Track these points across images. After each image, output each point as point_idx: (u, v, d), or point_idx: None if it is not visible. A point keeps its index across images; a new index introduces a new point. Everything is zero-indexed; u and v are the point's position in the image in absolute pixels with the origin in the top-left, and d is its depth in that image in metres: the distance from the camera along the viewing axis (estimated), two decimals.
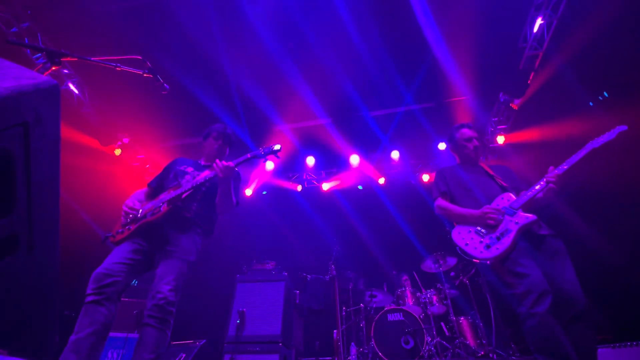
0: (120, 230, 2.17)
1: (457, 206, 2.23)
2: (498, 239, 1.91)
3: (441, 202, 2.31)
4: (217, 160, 2.19)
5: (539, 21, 4.22)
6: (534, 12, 4.25)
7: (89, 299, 1.83)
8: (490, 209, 2.01)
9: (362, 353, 3.83)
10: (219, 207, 2.36)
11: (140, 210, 2.22)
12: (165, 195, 2.23)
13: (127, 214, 2.21)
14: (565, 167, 1.97)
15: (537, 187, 2.00)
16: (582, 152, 1.96)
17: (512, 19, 4.42)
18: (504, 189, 2.17)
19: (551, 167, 2.01)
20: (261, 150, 2.38)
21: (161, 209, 2.14)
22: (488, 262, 1.91)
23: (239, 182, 2.59)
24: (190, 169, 2.45)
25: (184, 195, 2.20)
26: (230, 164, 2.20)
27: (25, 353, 0.82)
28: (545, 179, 1.98)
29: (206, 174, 2.27)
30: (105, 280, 1.87)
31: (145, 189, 2.50)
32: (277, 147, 2.38)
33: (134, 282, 4.02)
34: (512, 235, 1.88)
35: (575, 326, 1.67)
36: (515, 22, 4.46)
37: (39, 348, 0.91)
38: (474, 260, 1.96)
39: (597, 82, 4.59)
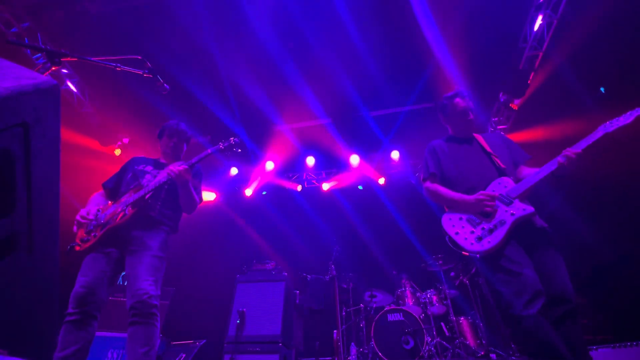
0: (85, 238, 2.09)
1: (449, 190, 2.02)
2: (491, 231, 1.77)
3: (430, 185, 2.11)
4: (171, 167, 2.17)
5: (539, 21, 4.22)
6: (534, 12, 4.26)
7: (71, 318, 1.83)
8: (485, 196, 1.84)
9: (362, 353, 3.83)
10: (183, 207, 2.36)
11: (102, 216, 2.16)
12: (127, 198, 2.19)
13: (79, 223, 2.15)
14: (583, 145, 1.79)
15: (541, 174, 1.83)
16: (594, 136, 1.76)
17: (512, 19, 4.43)
18: (502, 172, 1.98)
19: (568, 149, 1.81)
20: (221, 145, 2.38)
21: (126, 212, 2.10)
22: (477, 255, 1.78)
23: (199, 178, 2.54)
24: (149, 168, 2.41)
25: (147, 197, 2.18)
26: (182, 167, 2.17)
27: (25, 353, 0.82)
28: (559, 158, 1.78)
29: (165, 174, 2.23)
30: (87, 299, 1.87)
31: (100, 191, 2.43)
32: (236, 139, 2.39)
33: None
34: (505, 228, 1.74)
35: (566, 324, 1.61)
36: (515, 22, 4.47)
37: (39, 348, 0.91)
38: (463, 252, 1.81)
39: (597, 81, 4.59)
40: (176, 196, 2.33)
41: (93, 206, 2.26)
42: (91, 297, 1.89)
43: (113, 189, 2.39)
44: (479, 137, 2.22)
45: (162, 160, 2.55)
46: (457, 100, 2.28)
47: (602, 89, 4.23)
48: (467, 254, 1.82)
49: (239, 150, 2.47)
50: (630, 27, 3.98)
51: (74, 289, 1.90)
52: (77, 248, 2.08)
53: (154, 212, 2.21)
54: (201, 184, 2.55)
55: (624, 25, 4.01)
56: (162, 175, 2.23)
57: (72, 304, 1.86)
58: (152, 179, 2.28)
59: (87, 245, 2.06)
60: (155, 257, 2.06)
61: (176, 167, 2.16)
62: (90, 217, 2.16)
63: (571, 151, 1.76)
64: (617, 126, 1.73)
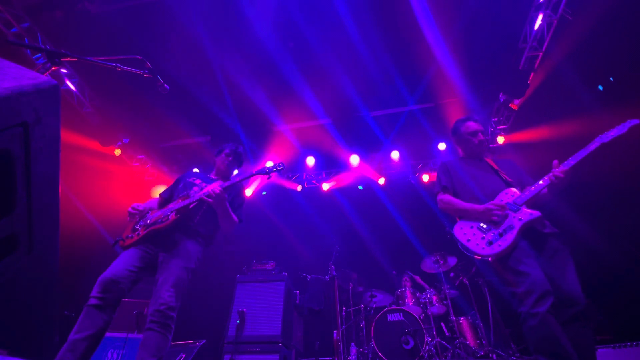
0: (130, 235, 2.27)
1: (460, 200, 2.17)
2: (500, 235, 1.87)
3: (443, 196, 2.26)
4: (210, 190, 2.28)
5: (538, 21, 4.22)
6: (534, 12, 4.26)
7: (93, 302, 1.90)
8: (494, 205, 1.96)
9: (362, 353, 3.83)
10: (221, 225, 2.49)
11: (150, 217, 2.34)
12: (173, 205, 2.35)
13: (130, 214, 2.39)
14: (572, 162, 1.88)
15: (542, 182, 1.95)
16: (590, 147, 1.86)
17: (512, 19, 4.43)
18: (508, 184, 2.12)
19: (555, 162, 1.94)
20: (266, 169, 2.56)
21: (169, 217, 2.24)
22: (489, 259, 1.88)
23: (239, 197, 2.65)
24: (198, 181, 2.58)
25: (191, 206, 2.30)
26: (217, 188, 2.28)
27: (25, 353, 0.82)
28: (550, 175, 1.91)
29: (213, 186, 2.36)
30: (111, 287, 1.95)
31: (157, 198, 2.63)
32: (282, 164, 2.63)
33: None
34: (514, 232, 1.84)
35: (574, 326, 1.64)
36: (515, 22, 4.47)
37: (39, 348, 0.91)
38: (476, 257, 1.92)
39: (597, 81, 4.60)
40: (215, 212, 2.44)
41: (147, 205, 2.49)
42: (114, 285, 1.96)
43: (167, 199, 2.55)
44: (489, 160, 2.38)
45: (213, 177, 2.74)
46: (470, 123, 2.45)
47: (600, 87, 4.23)
48: (480, 257, 1.93)
49: (282, 173, 2.66)
50: (631, 26, 3.98)
51: (102, 274, 2.00)
52: (121, 243, 2.26)
53: (192, 222, 2.35)
54: (242, 203, 2.68)
55: (624, 25, 4.02)
56: (207, 190, 2.37)
57: (97, 288, 1.94)
58: (199, 191, 2.43)
59: (131, 241, 2.23)
60: (185, 269, 2.15)
61: (214, 191, 2.28)
62: (140, 208, 2.40)
63: (558, 171, 1.89)
64: (613, 136, 1.85)
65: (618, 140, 1.83)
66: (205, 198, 2.27)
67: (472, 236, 1.98)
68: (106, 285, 1.94)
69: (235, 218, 2.49)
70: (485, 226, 1.97)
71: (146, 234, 2.21)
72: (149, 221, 2.31)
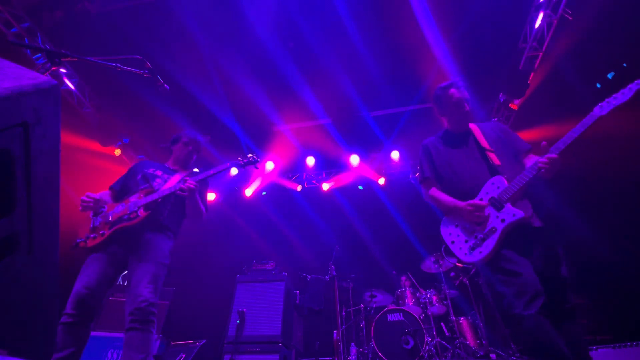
0: (92, 235, 2.08)
1: (443, 194, 1.99)
2: (482, 240, 1.75)
3: (428, 190, 2.08)
4: (188, 183, 2.21)
5: (538, 21, 4.22)
6: (534, 12, 4.26)
7: (70, 320, 1.81)
8: (474, 207, 1.79)
9: (362, 353, 3.83)
10: (189, 217, 2.42)
11: (110, 214, 2.15)
12: (137, 199, 2.18)
13: (86, 203, 2.15)
14: (561, 146, 1.69)
15: (524, 178, 1.76)
16: (584, 124, 1.63)
17: (512, 19, 4.43)
18: (494, 171, 1.89)
19: (544, 144, 1.73)
20: (240, 160, 2.49)
21: (139, 213, 2.10)
22: (471, 266, 1.83)
23: (205, 189, 2.61)
24: (159, 172, 2.44)
25: (159, 200, 2.19)
26: (192, 183, 2.21)
27: (25, 353, 0.82)
28: (536, 163, 1.72)
29: (177, 179, 2.29)
30: (88, 302, 1.87)
31: (107, 191, 2.43)
32: (254, 156, 2.57)
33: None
34: (496, 237, 1.71)
35: (565, 323, 1.61)
36: (515, 22, 4.47)
37: (39, 348, 0.91)
38: (457, 264, 1.86)
39: (597, 81, 4.59)
40: (183, 204, 2.37)
41: (100, 195, 2.27)
42: (92, 300, 1.88)
43: (120, 191, 2.41)
44: (476, 129, 2.11)
45: (172, 167, 2.61)
46: (452, 90, 2.17)
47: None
48: (461, 265, 1.84)
49: (257, 166, 2.61)
50: (631, 25, 3.98)
51: (75, 288, 1.89)
52: (83, 244, 2.06)
53: (162, 216, 2.24)
54: (205, 195, 2.60)
55: (624, 24, 4.02)
56: (172, 182, 2.28)
57: (73, 304, 1.84)
58: (163, 183, 2.32)
59: (95, 242, 2.05)
60: (160, 264, 2.08)
61: (191, 183, 2.20)
62: (97, 197, 2.17)
63: (542, 161, 1.71)
64: (614, 105, 1.61)
65: (620, 108, 1.54)
66: (180, 192, 2.17)
67: (456, 238, 1.87)
68: (83, 300, 1.85)
69: (203, 209, 2.42)
70: (469, 227, 1.83)
71: (112, 233, 2.05)
72: (110, 218, 2.11)
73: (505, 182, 1.82)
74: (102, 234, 2.06)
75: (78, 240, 2.08)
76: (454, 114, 2.16)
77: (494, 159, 1.93)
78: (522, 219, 1.72)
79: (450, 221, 1.95)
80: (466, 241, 1.82)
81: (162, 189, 2.22)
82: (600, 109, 1.62)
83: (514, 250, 1.70)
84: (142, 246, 2.08)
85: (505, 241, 1.73)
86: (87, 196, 2.16)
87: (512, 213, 1.74)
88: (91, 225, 2.13)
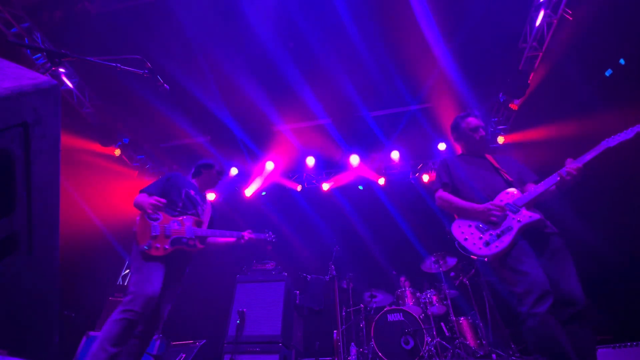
0: (157, 246, 2.19)
1: (460, 199, 2.14)
2: (498, 236, 1.86)
3: (442, 193, 2.22)
4: (246, 235, 2.73)
5: (538, 21, 4.22)
6: (534, 12, 4.25)
7: (134, 317, 1.94)
8: (493, 206, 1.94)
9: (362, 353, 3.83)
10: (208, 248, 2.71)
11: (168, 228, 2.28)
12: (192, 225, 2.41)
13: (156, 209, 2.25)
14: (579, 164, 1.88)
15: (544, 185, 1.93)
16: (596, 150, 1.86)
17: (512, 19, 4.42)
18: (509, 184, 2.08)
19: (569, 160, 1.90)
20: (267, 237, 2.96)
21: (197, 244, 2.39)
22: (485, 259, 1.87)
23: None
24: (198, 197, 2.65)
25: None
26: (248, 236, 2.74)
27: (25, 353, 0.82)
28: (561, 172, 1.87)
29: (208, 208, 2.69)
30: (151, 304, 2.04)
31: (146, 195, 2.44)
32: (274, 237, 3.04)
33: None
34: (512, 234, 1.83)
35: (574, 326, 1.64)
36: (515, 22, 4.46)
37: (39, 348, 0.91)
38: (472, 256, 1.92)
39: (597, 80, 4.60)
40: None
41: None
42: (153, 302, 2.05)
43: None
44: (489, 157, 2.33)
45: (199, 188, 2.83)
46: (471, 118, 2.38)
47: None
48: (476, 257, 1.92)
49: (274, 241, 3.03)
50: (631, 24, 3.98)
51: (148, 289, 2.01)
52: (147, 251, 2.15)
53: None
54: None
55: (624, 24, 4.02)
56: (207, 214, 2.62)
57: (142, 304, 1.95)
58: (203, 213, 2.58)
59: (158, 254, 2.18)
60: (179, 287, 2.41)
61: (250, 237, 2.75)
62: (164, 201, 2.28)
63: (573, 166, 1.85)
64: (619, 141, 1.83)
65: (624, 144, 1.84)
66: (238, 241, 2.69)
67: (470, 235, 1.96)
68: (150, 304, 2.01)
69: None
70: (483, 226, 1.95)
71: (173, 252, 2.25)
72: (168, 233, 2.25)
73: (519, 193, 2.00)
74: (165, 249, 2.21)
75: (145, 248, 2.15)
76: (470, 139, 2.36)
77: (507, 176, 2.14)
78: (538, 221, 1.87)
79: (463, 221, 2.06)
80: (480, 238, 1.93)
81: (205, 222, 2.56)
82: (607, 142, 1.87)
83: (524, 251, 1.79)
84: (181, 272, 2.37)
85: (519, 241, 1.83)
86: (158, 201, 2.24)
87: (529, 215, 1.89)
88: (152, 233, 2.21)
